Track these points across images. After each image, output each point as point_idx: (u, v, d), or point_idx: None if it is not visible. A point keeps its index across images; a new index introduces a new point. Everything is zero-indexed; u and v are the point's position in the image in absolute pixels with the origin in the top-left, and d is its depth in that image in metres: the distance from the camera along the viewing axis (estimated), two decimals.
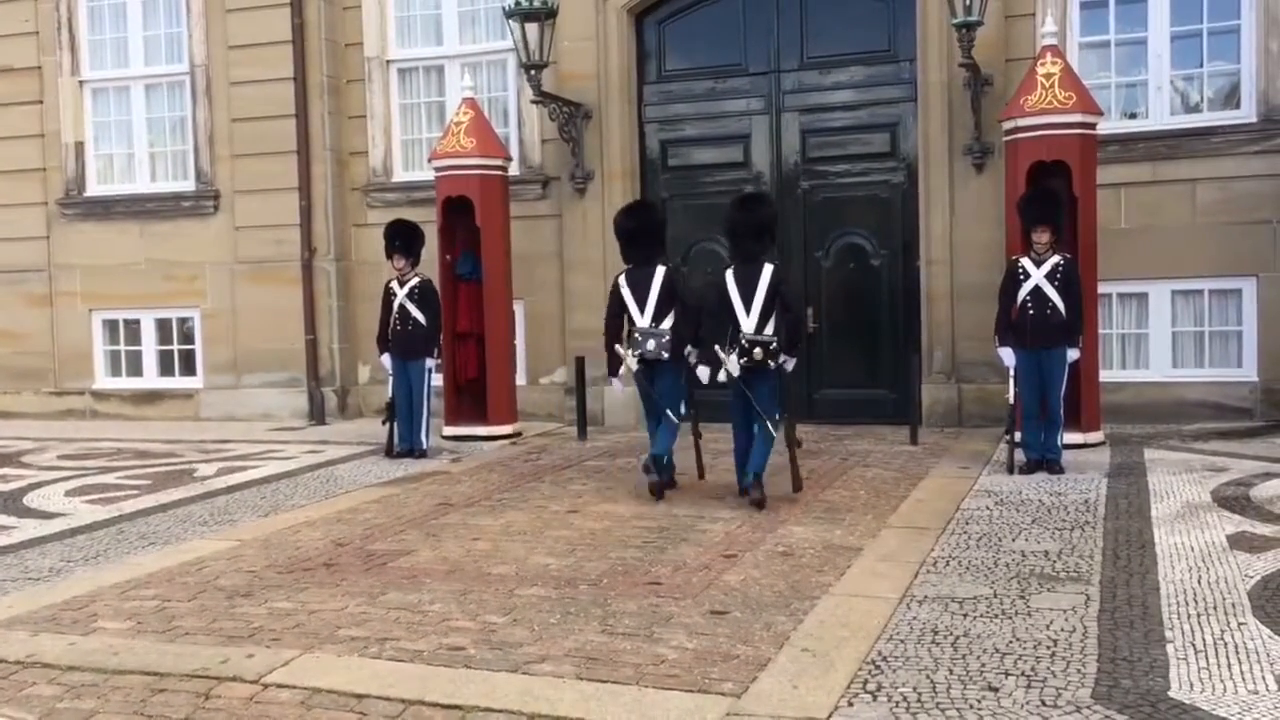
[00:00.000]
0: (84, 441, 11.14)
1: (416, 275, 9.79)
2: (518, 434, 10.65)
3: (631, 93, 11.43)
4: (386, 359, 9.82)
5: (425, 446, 9.68)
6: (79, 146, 12.98)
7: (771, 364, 7.23)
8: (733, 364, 7.21)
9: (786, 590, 5.32)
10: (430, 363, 9.75)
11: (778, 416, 7.32)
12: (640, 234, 7.99)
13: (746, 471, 7.32)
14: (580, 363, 10.68)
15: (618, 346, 7.82)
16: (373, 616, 5.06)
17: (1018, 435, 8.17)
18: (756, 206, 7.72)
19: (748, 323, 7.25)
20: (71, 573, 6.09)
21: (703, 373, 7.53)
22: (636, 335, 7.70)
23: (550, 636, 4.72)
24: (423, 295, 9.71)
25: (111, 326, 13.16)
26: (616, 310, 7.88)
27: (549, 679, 4.23)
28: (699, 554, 6.06)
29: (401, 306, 9.67)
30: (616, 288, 7.92)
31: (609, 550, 6.19)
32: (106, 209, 12.91)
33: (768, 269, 7.33)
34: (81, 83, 12.95)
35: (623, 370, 7.90)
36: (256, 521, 7.28)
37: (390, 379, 9.78)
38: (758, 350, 7.18)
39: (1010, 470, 8.01)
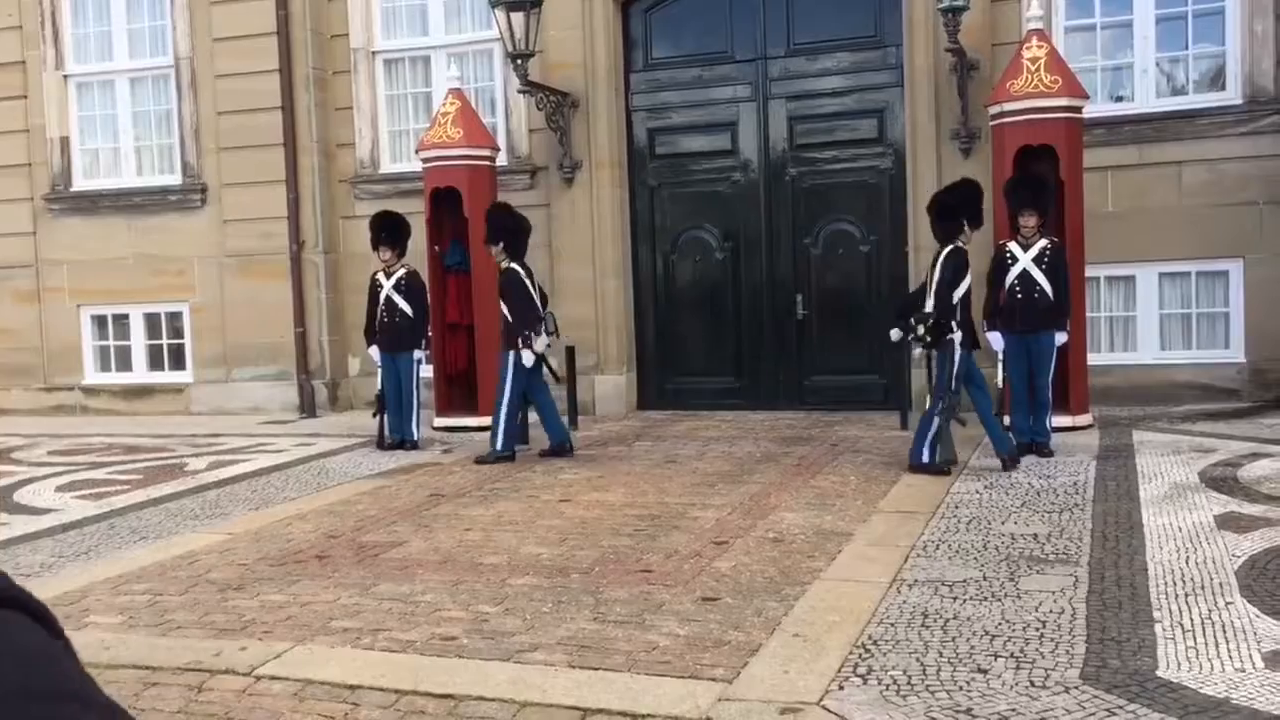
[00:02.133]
0: (74, 437, 11.11)
1: (403, 266, 9.77)
2: None
3: (618, 81, 11.41)
4: (374, 351, 9.81)
5: (416, 438, 9.67)
6: (64, 141, 12.93)
7: (928, 338, 7.66)
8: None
9: (777, 576, 5.34)
10: (419, 354, 9.74)
11: (943, 392, 7.69)
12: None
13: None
14: (570, 352, 10.66)
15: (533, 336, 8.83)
16: (365, 608, 5.07)
17: (1006, 419, 8.19)
18: (940, 193, 8.30)
19: (929, 302, 7.80)
20: (63, 568, 6.09)
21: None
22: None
23: (542, 625, 4.73)
24: (409, 286, 9.69)
25: (100, 321, 13.13)
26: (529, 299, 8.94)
27: (541, 667, 4.24)
28: (690, 541, 6.08)
29: (388, 298, 9.65)
30: (523, 280, 8.90)
31: (600, 539, 6.20)
32: (93, 204, 12.86)
33: (943, 252, 7.78)
34: (66, 77, 12.89)
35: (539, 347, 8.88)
36: (248, 515, 7.28)
37: (379, 371, 9.77)
38: (920, 327, 7.69)
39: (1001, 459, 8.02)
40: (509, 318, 8.89)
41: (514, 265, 8.96)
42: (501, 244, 9.00)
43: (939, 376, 7.73)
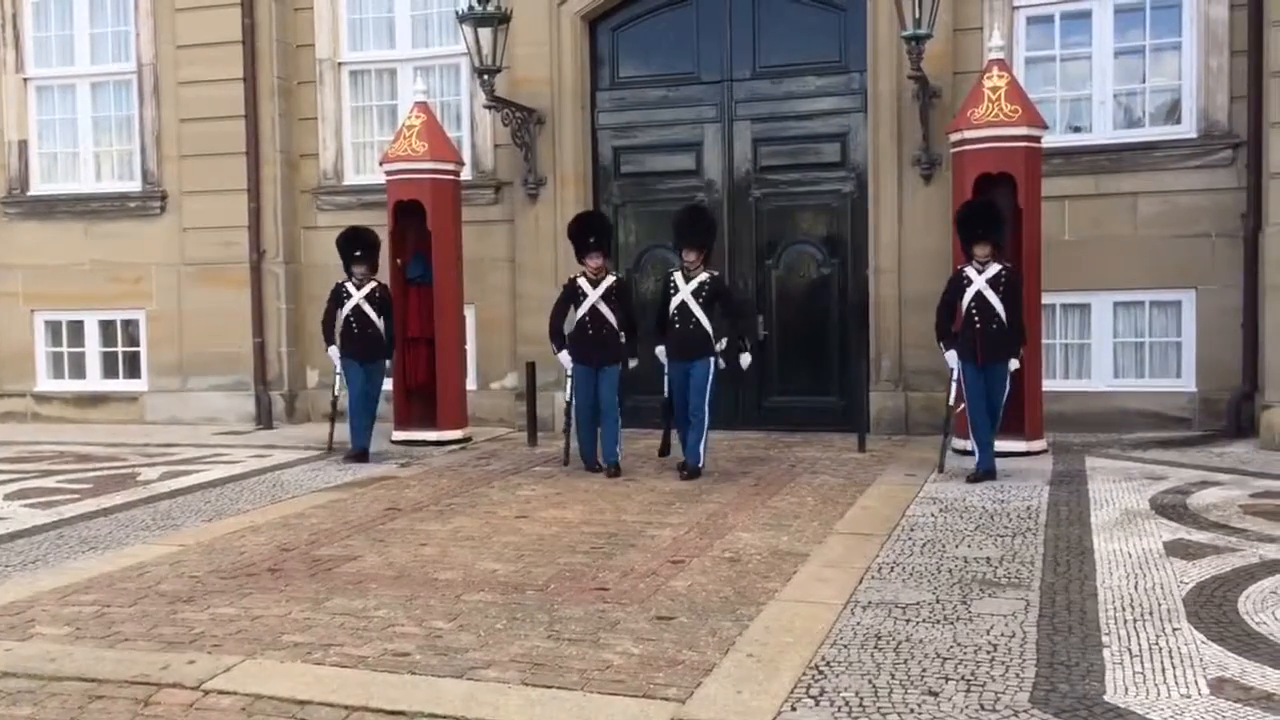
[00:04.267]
0: (24, 444, 10.95)
1: (374, 280, 9.76)
2: (468, 439, 10.62)
3: (585, 99, 11.44)
4: (334, 352, 9.78)
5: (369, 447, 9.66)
6: (23, 144, 12.79)
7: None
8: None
9: (733, 596, 5.35)
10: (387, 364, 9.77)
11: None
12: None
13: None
14: (531, 368, 10.68)
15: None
16: (317, 622, 5.03)
17: (967, 444, 8.28)
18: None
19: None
20: (9, 578, 5.98)
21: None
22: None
23: (496, 642, 4.71)
24: (382, 300, 9.71)
25: (54, 328, 12.96)
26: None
27: (494, 685, 4.23)
28: (646, 560, 6.08)
29: (358, 308, 9.64)
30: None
31: (557, 556, 6.19)
32: (50, 208, 12.72)
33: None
34: (26, 80, 12.76)
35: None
36: (200, 526, 7.20)
37: (339, 375, 9.78)
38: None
39: (941, 469, 8.15)
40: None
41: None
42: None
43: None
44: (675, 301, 8.54)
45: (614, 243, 11.51)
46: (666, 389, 8.66)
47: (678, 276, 8.63)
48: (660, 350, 8.67)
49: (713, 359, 8.52)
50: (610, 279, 8.85)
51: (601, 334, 8.78)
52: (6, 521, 7.42)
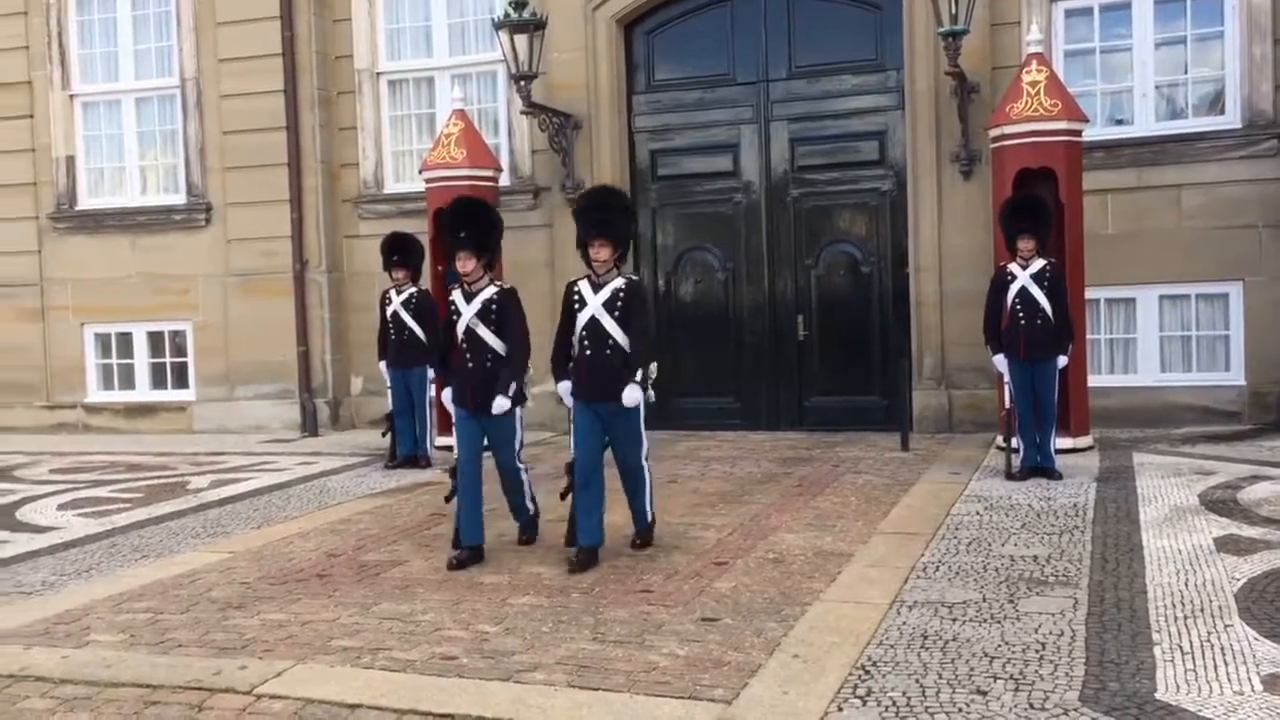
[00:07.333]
0: (76, 455, 11.13)
1: (413, 285, 9.80)
2: None
3: (621, 103, 11.48)
4: (383, 366, 9.84)
5: (429, 453, 9.69)
6: (70, 160, 13.02)
7: None
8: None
9: (777, 597, 5.35)
10: (431, 371, 9.75)
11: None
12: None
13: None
14: None
15: None
16: (365, 627, 5.08)
17: (1014, 440, 8.19)
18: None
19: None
20: (64, 586, 6.10)
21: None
22: None
23: (542, 645, 4.74)
24: (419, 306, 9.69)
25: (103, 340, 13.18)
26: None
27: (540, 687, 4.25)
28: (690, 561, 6.09)
29: (395, 314, 9.66)
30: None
31: (600, 558, 6.20)
32: (98, 222, 12.93)
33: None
34: (72, 96, 12.99)
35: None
36: (249, 533, 7.29)
37: (389, 389, 9.80)
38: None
39: (1009, 476, 8.01)
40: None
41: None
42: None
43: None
44: (583, 318, 6.16)
45: (653, 245, 11.54)
46: (573, 444, 6.24)
47: (584, 285, 6.23)
48: (563, 388, 6.31)
49: (640, 394, 6.13)
50: (490, 289, 6.39)
51: (483, 365, 6.31)
52: (61, 531, 7.56)
